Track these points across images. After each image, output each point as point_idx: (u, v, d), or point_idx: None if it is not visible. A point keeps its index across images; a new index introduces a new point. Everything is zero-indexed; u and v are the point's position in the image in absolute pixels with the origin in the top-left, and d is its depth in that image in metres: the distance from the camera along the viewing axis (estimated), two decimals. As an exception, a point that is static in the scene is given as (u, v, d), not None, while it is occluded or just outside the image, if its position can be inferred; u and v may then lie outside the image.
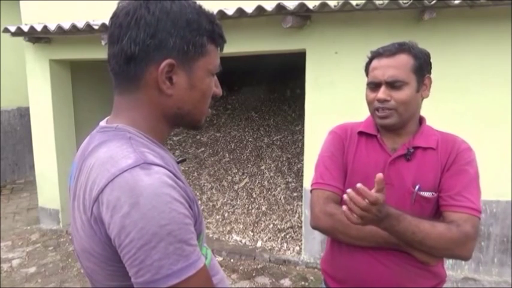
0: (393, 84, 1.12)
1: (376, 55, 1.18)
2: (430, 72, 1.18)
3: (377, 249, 1.14)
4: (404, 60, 1.12)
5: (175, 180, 0.64)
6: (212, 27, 0.72)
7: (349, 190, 0.96)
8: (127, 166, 0.61)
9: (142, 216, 0.57)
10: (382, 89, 1.13)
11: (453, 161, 1.14)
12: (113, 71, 0.72)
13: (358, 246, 1.16)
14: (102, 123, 0.76)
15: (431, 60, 1.18)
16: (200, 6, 0.72)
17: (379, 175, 0.95)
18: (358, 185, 0.94)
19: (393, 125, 1.16)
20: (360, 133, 1.25)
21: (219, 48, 0.76)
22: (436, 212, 1.16)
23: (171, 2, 0.68)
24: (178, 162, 0.81)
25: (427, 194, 1.13)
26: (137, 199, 0.58)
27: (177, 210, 0.60)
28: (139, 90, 0.70)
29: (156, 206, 0.58)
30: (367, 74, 1.22)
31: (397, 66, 1.12)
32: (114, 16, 0.70)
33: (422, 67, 1.14)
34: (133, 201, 0.58)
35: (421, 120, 1.24)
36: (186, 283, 0.59)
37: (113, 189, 0.60)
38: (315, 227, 1.21)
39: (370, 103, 1.19)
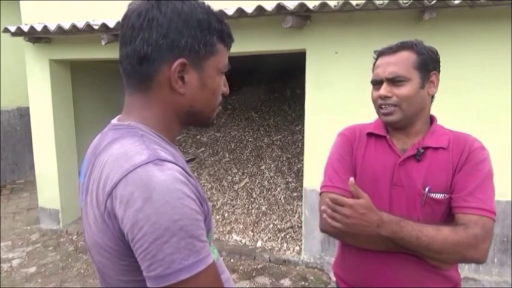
0: (394, 81, 1.11)
1: (379, 54, 1.18)
2: (437, 70, 1.16)
3: (387, 252, 1.11)
4: (405, 56, 1.12)
5: (187, 177, 0.65)
6: (221, 27, 0.74)
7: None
8: (140, 162, 0.62)
9: (155, 211, 0.58)
10: (384, 85, 1.13)
11: (465, 160, 1.10)
12: (125, 71, 0.73)
13: (368, 249, 1.14)
14: (114, 121, 0.77)
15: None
16: (209, 7, 0.74)
17: (351, 179, 1.00)
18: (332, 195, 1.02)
19: (398, 121, 1.14)
20: (369, 134, 1.23)
21: (227, 47, 0.78)
22: (449, 215, 1.11)
23: (182, 2, 0.70)
24: (187, 161, 0.82)
25: (438, 196, 1.09)
26: (150, 194, 0.59)
27: (189, 206, 0.61)
28: (151, 89, 0.72)
29: (169, 202, 0.59)
30: None
31: (398, 62, 1.12)
32: (126, 17, 0.71)
33: (427, 63, 1.12)
34: (146, 196, 0.59)
35: (432, 119, 1.21)
36: (196, 278, 0.60)
37: (126, 184, 0.61)
38: (324, 231, 1.18)
39: (374, 101, 1.19)
